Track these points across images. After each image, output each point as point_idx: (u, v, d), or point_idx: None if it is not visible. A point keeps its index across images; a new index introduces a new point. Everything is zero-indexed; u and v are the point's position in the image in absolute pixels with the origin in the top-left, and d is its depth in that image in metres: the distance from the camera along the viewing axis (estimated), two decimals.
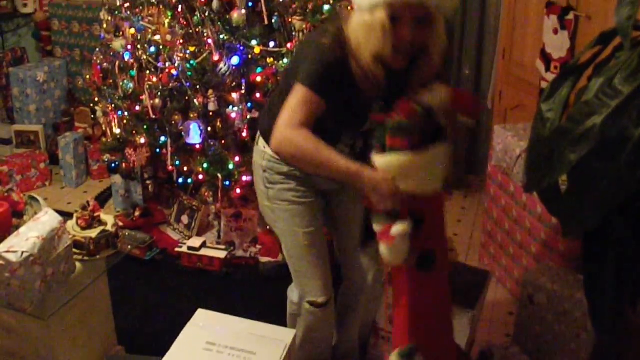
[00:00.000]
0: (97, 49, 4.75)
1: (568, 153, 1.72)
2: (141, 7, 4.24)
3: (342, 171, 2.26)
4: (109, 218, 3.50)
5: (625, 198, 1.73)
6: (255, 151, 2.73)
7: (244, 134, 3.92)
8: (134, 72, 4.31)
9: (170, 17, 4.09)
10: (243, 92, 3.86)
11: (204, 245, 4.15)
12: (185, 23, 4.03)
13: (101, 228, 3.24)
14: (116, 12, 4.42)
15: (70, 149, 5.32)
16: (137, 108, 4.29)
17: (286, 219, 2.67)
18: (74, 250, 3.05)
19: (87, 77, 5.01)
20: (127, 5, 4.34)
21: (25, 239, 2.71)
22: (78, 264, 3.02)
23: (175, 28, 4.02)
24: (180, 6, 4.02)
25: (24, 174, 5.36)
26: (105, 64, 4.57)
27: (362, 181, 2.25)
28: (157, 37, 4.15)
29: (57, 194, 5.35)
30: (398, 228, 2.24)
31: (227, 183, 4.03)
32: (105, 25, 4.57)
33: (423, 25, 2.20)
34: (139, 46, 4.25)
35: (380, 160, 2.25)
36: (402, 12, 2.17)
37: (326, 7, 3.71)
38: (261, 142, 2.68)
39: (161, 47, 4.13)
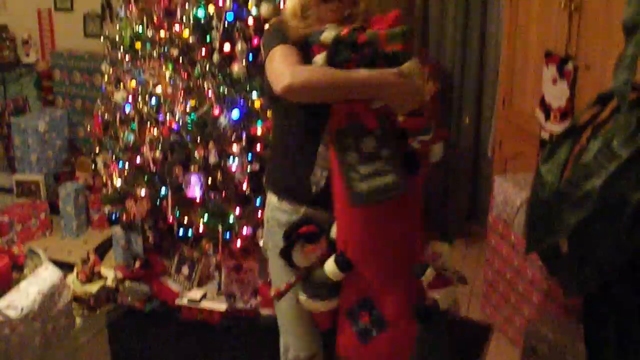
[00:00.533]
0: (98, 100, 4.78)
1: (567, 216, 1.73)
2: (142, 60, 4.27)
3: (364, 79, 2.16)
4: (109, 272, 3.51)
5: (625, 261, 1.73)
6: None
7: (245, 187, 3.92)
8: (134, 125, 4.33)
9: (171, 70, 4.11)
10: (244, 144, 3.87)
11: (204, 297, 4.13)
12: (186, 76, 4.06)
13: (101, 282, 3.26)
14: (117, 65, 4.45)
15: (70, 199, 5.33)
16: (138, 160, 4.30)
17: (277, 271, 2.67)
18: (74, 304, 3.05)
19: (88, 128, 5.03)
20: (128, 57, 4.37)
21: (26, 295, 2.72)
22: (78, 319, 3.02)
23: (176, 81, 4.05)
24: (181, 59, 4.05)
25: (24, 223, 5.36)
26: (106, 116, 4.59)
27: (387, 80, 2.15)
28: (158, 90, 4.17)
29: (57, 243, 5.35)
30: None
31: (228, 235, 4.03)
32: (106, 77, 4.60)
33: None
34: (139, 98, 4.27)
35: (402, 68, 2.17)
36: None
37: None
38: (268, 193, 2.70)
39: (162, 99, 4.15)
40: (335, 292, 2.43)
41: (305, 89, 2.18)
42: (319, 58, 2.23)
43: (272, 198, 2.64)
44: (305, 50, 2.29)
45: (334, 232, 2.42)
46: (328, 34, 2.20)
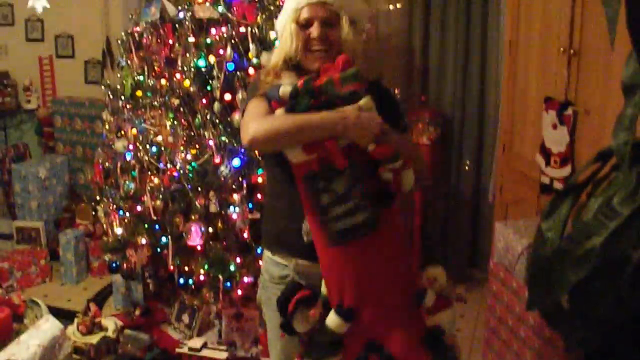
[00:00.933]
0: (99, 148, 4.79)
1: (569, 273, 1.72)
2: (143, 109, 4.30)
3: (322, 118, 2.23)
4: (109, 323, 3.50)
5: (626, 319, 1.73)
6: None
7: (245, 235, 3.92)
8: (135, 173, 4.34)
9: (172, 119, 4.14)
10: (244, 193, 3.88)
11: (205, 345, 4.11)
12: (186, 125, 4.08)
13: (102, 334, 3.24)
14: (118, 113, 4.47)
15: (71, 246, 5.32)
16: (139, 208, 4.30)
17: (272, 323, 2.66)
18: (75, 356, 3.04)
19: (89, 175, 5.04)
20: (129, 106, 4.39)
21: (26, 348, 2.71)
22: None
23: (176, 130, 4.07)
24: (181, 108, 4.07)
25: (24, 270, 5.35)
26: (107, 164, 4.60)
27: (345, 118, 2.21)
28: (159, 139, 4.19)
29: (57, 290, 5.32)
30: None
31: (229, 284, 4.02)
32: (107, 126, 4.62)
33: (331, 27, 2.43)
34: (140, 147, 4.29)
35: (360, 104, 2.24)
36: (308, 15, 2.43)
37: None
38: (262, 246, 2.73)
39: (163, 148, 4.17)
40: (340, 345, 2.41)
41: (268, 139, 2.27)
42: (279, 112, 2.29)
43: (265, 252, 2.67)
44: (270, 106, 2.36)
45: (324, 288, 2.42)
46: (285, 89, 2.28)
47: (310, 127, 2.24)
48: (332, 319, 2.34)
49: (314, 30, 2.42)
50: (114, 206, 4.47)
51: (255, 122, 2.29)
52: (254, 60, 3.92)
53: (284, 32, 2.49)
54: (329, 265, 2.37)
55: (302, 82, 2.27)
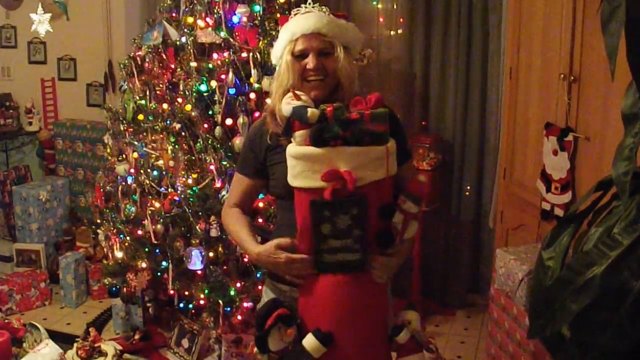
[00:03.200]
0: (100, 172, 4.80)
1: (569, 303, 1.72)
2: (145, 133, 4.31)
3: (240, 244, 2.68)
4: (109, 347, 3.48)
5: (627, 349, 1.72)
6: None
7: (246, 260, 3.92)
8: (136, 197, 4.34)
9: (173, 143, 4.14)
10: None
11: None
12: (188, 149, 4.09)
13: (101, 359, 3.22)
14: (120, 137, 4.48)
15: (71, 269, 5.31)
16: (139, 232, 4.30)
17: None
18: None
19: (90, 199, 5.04)
20: (130, 130, 4.40)
21: None
22: None
23: (178, 154, 4.08)
24: (183, 133, 4.08)
25: (23, 293, 5.34)
26: (108, 187, 4.61)
27: (249, 254, 2.59)
28: (160, 163, 4.20)
29: (56, 314, 5.31)
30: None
31: (228, 309, 4.01)
32: (108, 149, 4.63)
33: (326, 56, 2.46)
34: (141, 171, 4.29)
35: (388, 146, 2.31)
36: (303, 46, 2.46)
37: None
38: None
39: (164, 172, 4.17)
40: None
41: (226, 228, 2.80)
42: (300, 134, 2.31)
43: (266, 277, 2.73)
44: (288, 124, 2.38)
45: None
46: (314, 112, 2.29)
47: (237, 241, 2.74)
48: (310, 341, 2.34)
49: (310, 62, 2.44)
50: (115, 230, 4.47)
51: (224, 209, 2.75)
52: (256, 85, 3.94)
53: (280, 64, 2.52)
54: (312, 289, 2.39)
55: (332, 110, 2.28)
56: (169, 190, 4.12)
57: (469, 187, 5.22)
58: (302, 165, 2.32)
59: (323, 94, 2.45)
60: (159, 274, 4.36)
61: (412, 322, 2.51)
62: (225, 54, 4.06)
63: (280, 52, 2.52)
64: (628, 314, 1.67)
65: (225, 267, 4.04)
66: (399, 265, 2.45)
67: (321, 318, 2.37)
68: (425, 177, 2.51)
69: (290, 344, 2.37)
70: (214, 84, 4.01)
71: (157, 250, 4.29)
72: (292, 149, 2.35)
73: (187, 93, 4.08)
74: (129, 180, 4.39)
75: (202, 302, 4.11)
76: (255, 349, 2.51)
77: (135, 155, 4.34)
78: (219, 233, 3.95)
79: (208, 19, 4.14)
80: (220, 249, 4.00)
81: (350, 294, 2.37)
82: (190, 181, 4.03)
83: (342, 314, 2.37)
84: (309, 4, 2.55)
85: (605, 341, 1.72)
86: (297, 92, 2.42)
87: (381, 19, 5.35)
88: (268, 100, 2.90)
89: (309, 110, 2.29)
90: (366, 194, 2.29)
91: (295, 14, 2.55)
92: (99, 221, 4.68)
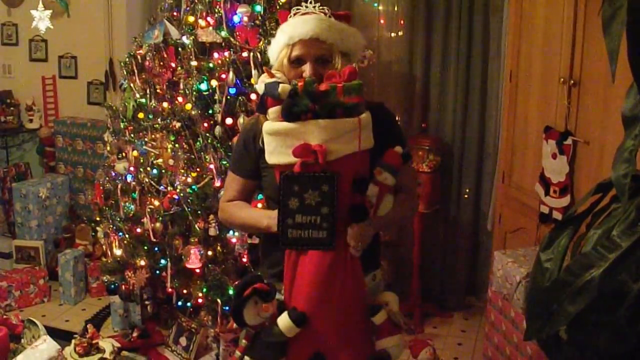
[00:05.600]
0: (100, 169, 4.80)
1: (567, 305, 1.72)
2: (145, 131, 4.31)
3: (253, 224, 2.58)
4: (107, 344, 3.48)
5: (624, 351, 1.72)
6: None
7: (244, 259, 3.92)
8: (135, 195, 4.34)
9: (173, 142, 4.14)
10: None
11: None
12: (187, 148, 4.09)
13: (99, 355, 3.23)
14: (120, 135, 4.48)
15: (70, 266, 5.31)
16: (138, 230, 4.30)
17: None
18: None
19: (90, 196, 5.04)
20: (130, 128, 4.40)
21: None
22: None
23: (177, 153, 4.08)
24: (183, 132, 4.08)
25: (22, 290, 5.33)
26: (107, 185, 4.61)
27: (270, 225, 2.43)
28: (160, 161, 4.20)
29: (55, 310, 5.31)
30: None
31: (227, 307, 4.01)
32: (108, 147, 4.63)
33: (324, 63, 2.41)
34: (141, 169, 4.29)
35: (361, 117, 2.31)
36: (300, 53, 2.41)
37: None
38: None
39: (163, 170, 4.18)
40: (282, 352, 2.41)
41: (223, 222, 2.90)
42: (273, 110, 2.33)
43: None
44: (262, 101, 2.40)
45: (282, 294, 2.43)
46: (285, 87, 2.30)
47: (244, 226, 2.89)
48: (283, 320, 2.33)
49: (307, 70, 2.40)
50: (114, 227, 4.47)
51: (220, 205, 2.74)
52: (256, 85, 3.94)
53: (275, 66, 2.49)
54: (287, 265, 2.39)
55: (302, 83, 2.28)
56: (169, 188, 4.13)
57: (468, 190, 5.23)
58: (276, 141, 2.34)
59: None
60: (157, 272, 4.36)
61: (390, 303, 2.48)
62: (226, 54, 4.06)
63: (276, 55, 2.49)
64: (626, 317, 1.67)
65: (223, 266, 4.04)
66: (371, 236, 2.42)
67: (297, 297, 2.37)
68: (401, 148, 2.45)
69: (267, 320, 2.36)
70: (214, 83, 4.01)
71: (156, 249, 4.29)
72: (266, 125, 2.36)
73: (187, 92, 4.09)
74: (129, 178, 4.39)
75: (200, 300, 4.11)
76: (235, 324, 2.51)
77: (135, 153, 4.35)
78: (218, 232, 3.96)
79: (209, 18, 4.15)
80: (218, 247, 4.01)
81: (324, 272, 2.34)
82: (189, 180, 4.03)
83: (316, 293, 2.35)
84: (310, 3, 2.51)
85: (603, 343, 1.73)
86: (272, 70, 2.41)
87: (382, 21, 5.35)
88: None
89: (280, 85, 2.30)
90: (338, 171, 2.29)
91: (294, 14, 2.51)
92: (98, 219, 4.68)
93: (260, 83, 2.40)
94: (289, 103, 2.28)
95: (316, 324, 2.35)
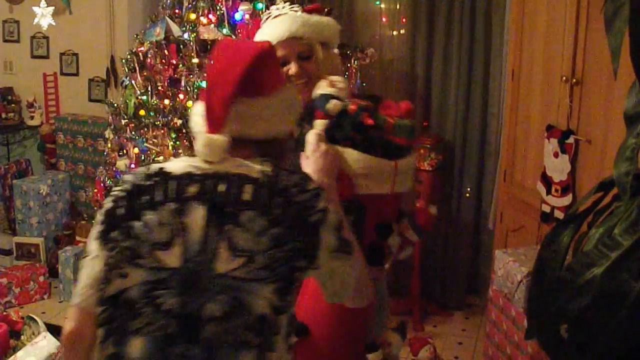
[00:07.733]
0: (101, 167, 4.79)
1: (568, 304, 1.71)
2: (146, 129, 4.30)
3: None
4: None
5: (626, 350, 1.72)
6: None
7: None
8: None
9: (174, 139, 4.14)
10: None
11: None
12: (188, 146, 4.08)
13: None
14: (121, 132, 4.48)
15: (70, 263, 5.30)
16: None
17: None
18: None
19: (90, 193, 5.03)
20: (131, 125, 4.39)
21: None
22: None
23: (178, 150, 4.07)
24: (184, 129, 4.08)
25: (22, 286, 5.33)
26: (108, 182, 4.60)
27: None
28: (161, 158, 4.19)
29: (55, 308, 5.31)
30: None
31: None
32: (109, 144, 4.62)
33: (307, 59, 2.43)
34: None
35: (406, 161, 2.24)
36: (282, 53, 2.40)
37: None
38: None
39: None
40: None
41: None
42: (320, 124, 2.24)
43: None
44: (310, 110, 2.32)
45: None
46: (337, 105, 2.21)
47: None
48: None
49: (292, 69, 2.42)
50: None
51: None
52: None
53: None
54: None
55: (355, 108, 2.20)
56: None
57: (469, 188, 5.22)
58: None
59: (309, 95, 2.38)
60: None
61: (392, 346, 2.45)
62: None
63: None
64: (627, 316, 1.67)
65: None
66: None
67: (299, 309, 2.35)
68: (435, 209, 2.45)
69: None
70: None
71: None
72: (309, 136, 2.27)
73: (188, 89, 4.09)
74: None
75: None
76: None
77: (136, 150, 4.34)
78: None
79: (211, 16, 4.15)
80: None
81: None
82: None
83: (317, 310, 2.30)
84: (279, 3, 2.51)
85: (604, 342, 1.72)
86: (334, 78, 2.36)
87: (384, 19, 5.35)
88: None
89: (332, 101, 2.22)
90: (365, 205, 2.22)
91: (266, 18, 2.51)
92: None
93: (316, 90, 2.32)
94: (334, 125, 2.21)
95: (314, 337, 2.31)
